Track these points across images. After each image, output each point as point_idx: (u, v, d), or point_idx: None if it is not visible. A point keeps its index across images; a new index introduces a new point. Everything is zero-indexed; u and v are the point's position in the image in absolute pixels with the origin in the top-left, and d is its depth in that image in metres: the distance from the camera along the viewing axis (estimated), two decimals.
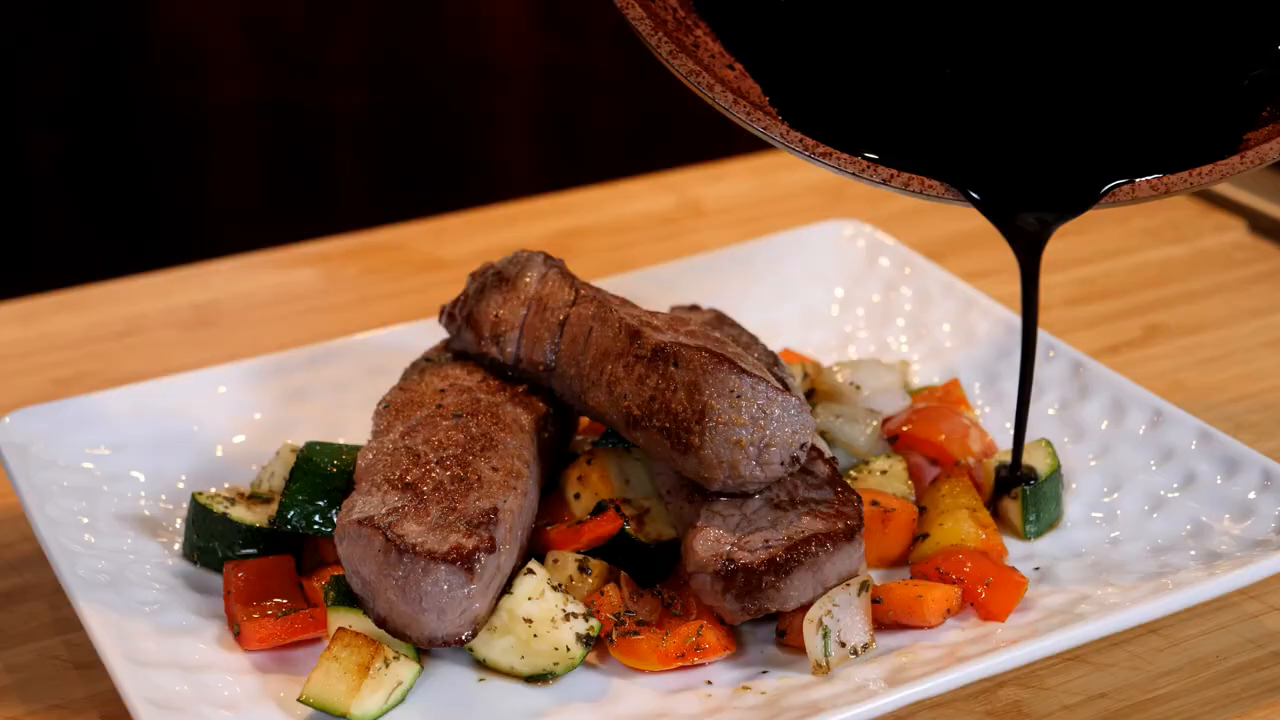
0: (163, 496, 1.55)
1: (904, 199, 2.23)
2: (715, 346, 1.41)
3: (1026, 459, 1.53)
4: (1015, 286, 2.01)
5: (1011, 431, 1.64)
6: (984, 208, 1.40)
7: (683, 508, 1.43)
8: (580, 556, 1.43)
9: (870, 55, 1.46)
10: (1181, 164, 1.36)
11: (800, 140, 1.38)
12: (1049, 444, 1.55)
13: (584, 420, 1.60)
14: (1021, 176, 1.41)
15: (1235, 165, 1.35)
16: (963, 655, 1.32)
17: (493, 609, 1.34)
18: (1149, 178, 1.37)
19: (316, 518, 1.44)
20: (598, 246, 2.16)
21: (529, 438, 1.45)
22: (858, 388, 1.62)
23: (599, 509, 1.47)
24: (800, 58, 1.45)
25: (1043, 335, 1.71)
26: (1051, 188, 1.41)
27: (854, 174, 1.38)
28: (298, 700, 1.29)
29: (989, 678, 1.35)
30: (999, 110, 1.43)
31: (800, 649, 1.35)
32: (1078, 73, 1.45)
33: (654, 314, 1.49)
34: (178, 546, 1.49)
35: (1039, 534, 1.51)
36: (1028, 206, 1.40)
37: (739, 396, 1.37)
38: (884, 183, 1.38)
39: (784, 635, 1.38)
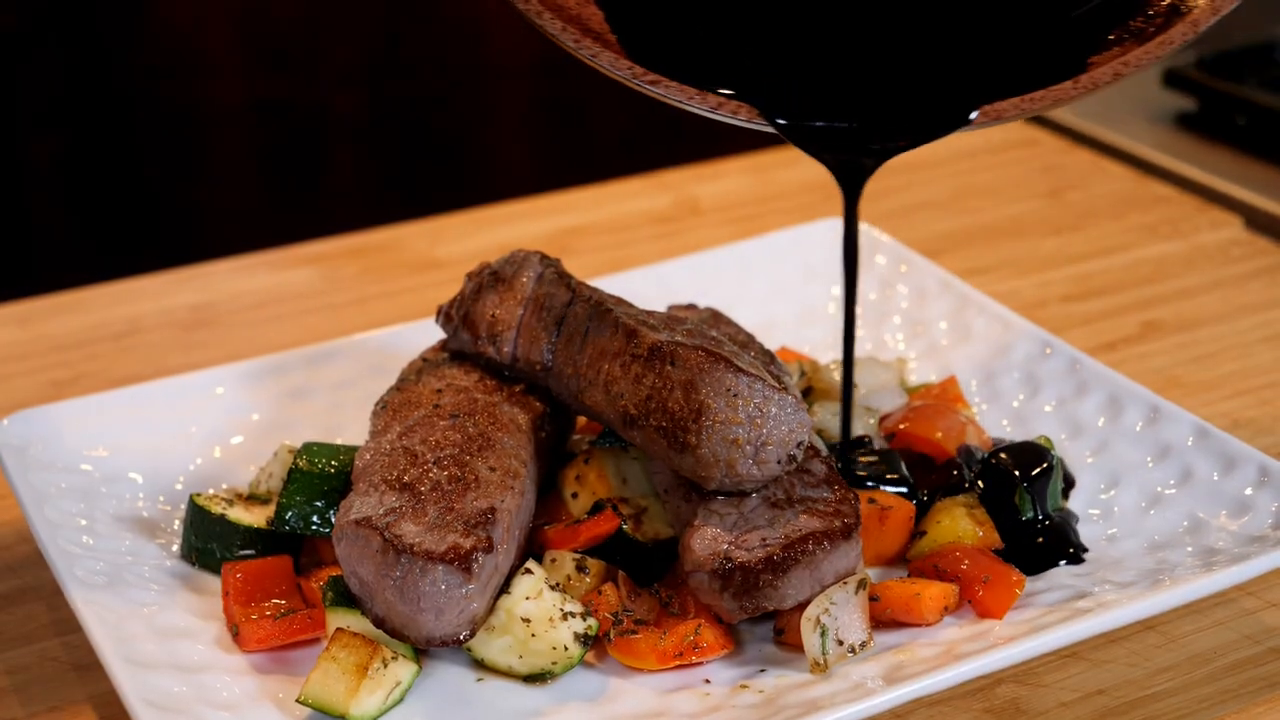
0: (161, 498, 1.55)
1: (902, 195, 2.24)
2: (712, 345, 1.41)
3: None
4: (1013, 283, 2.02)
5: (1010, 429, 1.65)
6: (803, 138, 1.37)
7: (680, 506, 1.43)
8: (578, 556, 1.43)
9: None
10: (1023, 89, 1.31)
11: (630, 68, 1.35)
12: (1049, 440, 1.55)
13: (581, 419, 1.60)
14: (859, 105, 1.38)
15: (1068, 90, 1.30)
16: (960, 653, 1.32)
17: (490, 609, 1.34)
18: (982, 106, 1.32)
19: (314, 518, 1.45)
20: (595, 245, 2.16)
21: (526, 437, 1.45)
22: (855, 385, 1.62)
23: (596, 508, 1.47)
24: None
25: (1039, 332, 1.71)
26: (888, 116, 1.37)
27: (680, 102, 1.34)
28: (296, 701, 1.30)
29: (987, 675, 1.35)
30: (843, 37, 1.40)
31: (798, 647, 1.35)
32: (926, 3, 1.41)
33: (650, 313, 1.49)
34: (176, 548, 1.49)
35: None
36: (864, 136, 1.37)
37: (736, 395, 1.37)
38: (712, 110, 1.34)
39: (782, 633, 1.38)
